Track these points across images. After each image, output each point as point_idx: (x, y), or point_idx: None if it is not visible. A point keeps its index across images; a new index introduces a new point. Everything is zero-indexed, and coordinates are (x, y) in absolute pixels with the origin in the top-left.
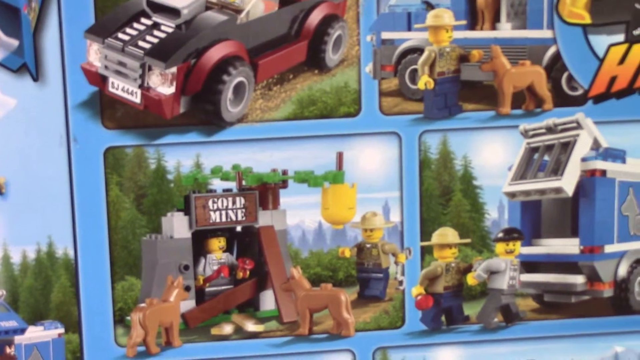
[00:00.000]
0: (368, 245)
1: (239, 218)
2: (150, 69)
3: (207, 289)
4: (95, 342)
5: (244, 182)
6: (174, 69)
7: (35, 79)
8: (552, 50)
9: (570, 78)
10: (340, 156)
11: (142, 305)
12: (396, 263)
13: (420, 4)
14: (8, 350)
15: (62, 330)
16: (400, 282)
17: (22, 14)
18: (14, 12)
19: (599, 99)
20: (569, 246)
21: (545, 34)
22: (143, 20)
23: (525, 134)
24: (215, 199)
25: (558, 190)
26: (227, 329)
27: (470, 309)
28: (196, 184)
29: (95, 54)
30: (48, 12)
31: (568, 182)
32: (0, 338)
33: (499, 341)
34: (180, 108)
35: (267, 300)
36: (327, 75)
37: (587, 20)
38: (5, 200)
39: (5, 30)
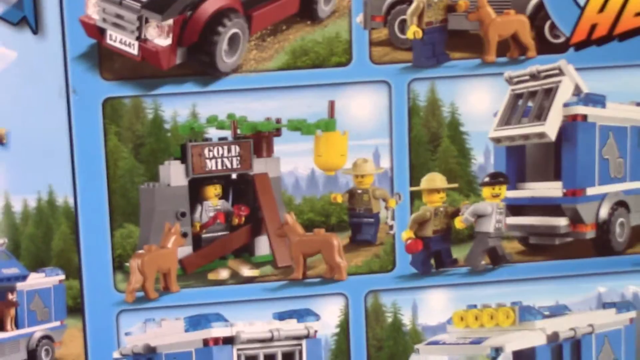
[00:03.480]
0: (359, 191)
1: (234, 166)
2: (147, 21)
3: (204, 235)
4: (95, 288)
5: (238, 131)
6: (170, 21)
7: (35, 32)
8: (535, 0)
9: (553, 26)
10: (332, 104)
11: (141, 251)
12: (386, 208)
13: None
14: (10, 296)
15: (62, 276)
16: (391, 227)
17: None
18: None
19: (580, 46)
20: (552, 189)
21: None
22: None
23: (509, 80)
24: (211, 148)
25: (541, 135)
26: (224, 274)
27: (459, 252)
28: (192, 133)
29: (93, 7)
30: None
31: (551, 127)
32: (3, 285)
33: (486, 283)
34: (177, 59)
35: (262, 246)
36: (319, 26)
37: None
38: (6, 151)
39: None
